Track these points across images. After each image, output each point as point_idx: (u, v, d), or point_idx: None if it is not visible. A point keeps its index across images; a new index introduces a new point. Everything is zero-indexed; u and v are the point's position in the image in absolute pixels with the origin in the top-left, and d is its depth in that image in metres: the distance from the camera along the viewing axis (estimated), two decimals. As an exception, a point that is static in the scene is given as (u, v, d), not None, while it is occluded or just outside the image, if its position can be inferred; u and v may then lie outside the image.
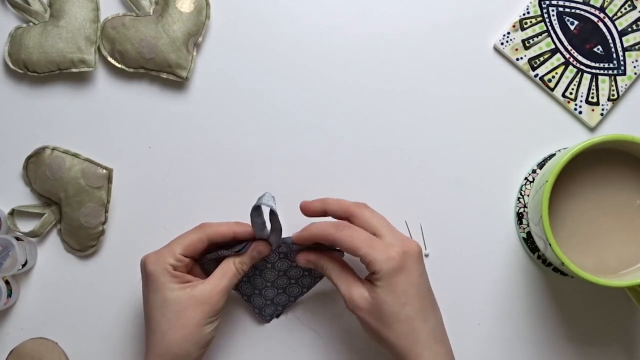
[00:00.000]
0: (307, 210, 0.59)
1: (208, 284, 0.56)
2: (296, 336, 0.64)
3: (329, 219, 0.59)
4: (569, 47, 0.65)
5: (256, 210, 0.56)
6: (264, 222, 0.57)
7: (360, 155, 0.65)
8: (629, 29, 0.65)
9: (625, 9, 0.65)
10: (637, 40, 0.65)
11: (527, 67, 0.65)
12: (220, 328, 0.63)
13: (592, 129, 0.65)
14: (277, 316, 0.64)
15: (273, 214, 0.56)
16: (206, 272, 0.60)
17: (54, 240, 0.65)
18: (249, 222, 0.58)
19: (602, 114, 0.65)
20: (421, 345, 0.54)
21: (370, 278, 0.55)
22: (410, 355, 0.53)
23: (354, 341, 0.64)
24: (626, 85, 0.65)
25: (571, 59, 0.65)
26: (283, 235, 0.59)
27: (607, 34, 0.65)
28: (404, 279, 0.54)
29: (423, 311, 0.54)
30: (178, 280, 0.56)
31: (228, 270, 0.57)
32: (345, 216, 0.58)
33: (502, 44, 0.65)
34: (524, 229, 0.64)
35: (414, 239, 0.57)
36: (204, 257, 0.59)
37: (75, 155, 0.63)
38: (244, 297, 0.63)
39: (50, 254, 0.64)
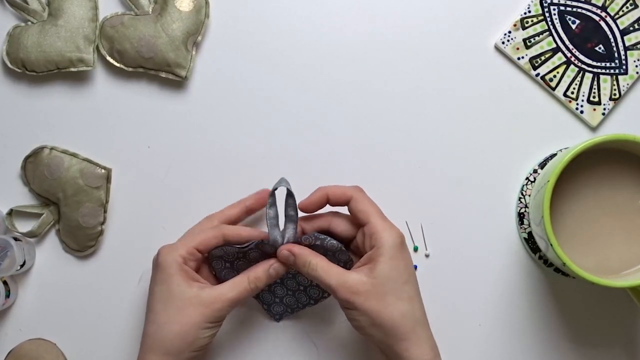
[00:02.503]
0: (310, 204, 0.58)
1: (216, 290, 0.56)
2: (294, 345, 0.64)
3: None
4: (571, 47, 0.65)
5: (271, 196, 0.56)
6: (277, 216, 0.57)
7: (361, 155, 0.65)
8: (631, 28, 0.65)
9: (627, 7, 0.65)
10: (638, 40, 0.65)
11: (528, 66, 0.65)
12: (222, 330, 0.63)
13: (593, 129, 0.65)
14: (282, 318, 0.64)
15: (290, 195, 0.56)
16: (215, 277, 0.60)
17: (52, 241, 0.64)
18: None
19: (603, 114, 0.65)
20: (420, 325, 0.55)
21: (369, 257, 0.55)
22: (411, 335, 0.54)
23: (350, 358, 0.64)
24: (628, 84, 0.64)
25: (572, 58, 0.65)
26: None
27: (608, 33, 0.65)
28: (404, 258, 0.55)
29: (419, 292, 0.56)
30: (186, 275, 0.56)
31: (240, 283, 0.56)
32: (345, 199, 0.58)
33: (503, 43, 0.65)
34: (525, 229, 0.64)
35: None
36: (210, 253, 0.58)
37: (74, 155, 0.63)
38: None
39: (49, 254, 0.64)
